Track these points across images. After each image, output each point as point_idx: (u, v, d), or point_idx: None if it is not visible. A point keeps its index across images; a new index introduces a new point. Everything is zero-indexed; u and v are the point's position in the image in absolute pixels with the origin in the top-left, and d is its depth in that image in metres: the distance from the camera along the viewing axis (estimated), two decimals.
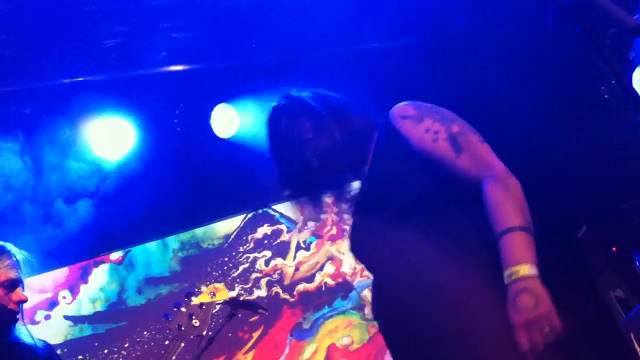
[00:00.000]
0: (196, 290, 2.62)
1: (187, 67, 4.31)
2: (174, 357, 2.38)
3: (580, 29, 2.74)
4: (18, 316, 2.37)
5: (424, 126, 2.02)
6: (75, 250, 4.81)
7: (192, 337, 2.50)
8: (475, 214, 1.94)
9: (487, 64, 4.66)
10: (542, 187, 5.34)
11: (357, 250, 2.22)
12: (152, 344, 5.13)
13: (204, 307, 2.54)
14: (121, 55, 3.89)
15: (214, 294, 2.59)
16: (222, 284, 2.73)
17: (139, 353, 5.12)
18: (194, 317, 2.49)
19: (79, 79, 3.86)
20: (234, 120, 4.88)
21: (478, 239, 1.93)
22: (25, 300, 2.35)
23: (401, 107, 2.11)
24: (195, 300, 2.56)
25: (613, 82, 4.10)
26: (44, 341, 2.51)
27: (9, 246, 2.44)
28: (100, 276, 5.30)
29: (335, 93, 2.36)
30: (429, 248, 1.93)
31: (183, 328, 2.46)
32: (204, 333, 2.54)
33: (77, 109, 4.17)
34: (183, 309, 2.52)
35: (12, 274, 2.32)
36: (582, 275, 5.27)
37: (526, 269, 1.76)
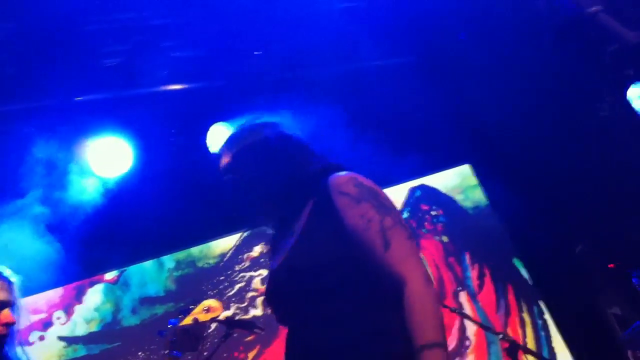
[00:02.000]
0: (190, 307, 2.58)
1: (185, 86, 4.31)
2: None
3: (580, 45, 2.77)
4: (13, 338, 2.33)
5: (360, 211, 2.00)
6: (70, 270, 4.76)
7: (186, 353, 2.45)
8: (392, 309, 1.94)
9: (485, 81, 4.68)
10: (539, 205, 5.37)
11: (273, 305, 2.21)
12: None
13: (198, 323, 2.50)
14: (120, 75, 3.89)
15: (208, 310, 2.57)
16: (216, 300, 2.68)
17: None
18: (188, 333, 2.47)
19: (78, 98, 3.84)
20: None
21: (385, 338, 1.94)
22: (13, 323, 2.30)
23: (342, 181, 2.07)
24: (189, 317, 2.52)
25: (610, 98, 4.15)
26: None
27: (1, 267, 2.40)
28: (95, 296, 5.24)
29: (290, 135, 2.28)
30: (330, 336, 1.95)
31: (177, 344, 2.42)
32: (199, 349, 2.50)
33: (76, 127, 4.16)
34: (177, 326, 2.47)
35: (3, 296, 2.28)
36: (580, 292, 5.27)
37: None
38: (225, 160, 2.27)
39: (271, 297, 2.17)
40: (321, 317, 1.97)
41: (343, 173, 2.10)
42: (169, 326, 2.52)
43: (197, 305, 2.62)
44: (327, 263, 2.00)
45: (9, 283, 2.36)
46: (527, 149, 4.71)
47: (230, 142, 2.29)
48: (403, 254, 1.94)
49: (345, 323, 1.94)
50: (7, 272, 2.40)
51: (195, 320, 2.52)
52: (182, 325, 2.50)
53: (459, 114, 5.02)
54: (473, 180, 5.82)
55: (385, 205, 2.03)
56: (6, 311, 2.27)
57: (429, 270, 2.03)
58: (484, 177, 5.76)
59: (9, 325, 2.27)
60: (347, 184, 2.05)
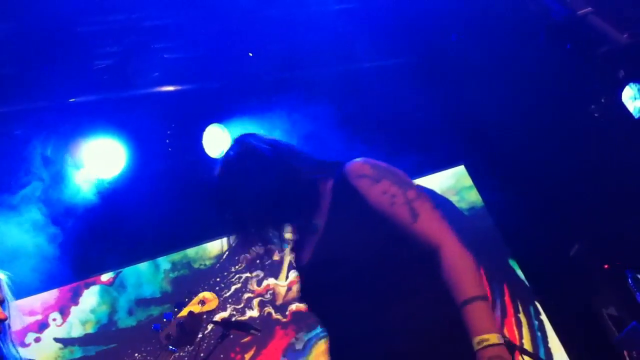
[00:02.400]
0: (186, 300, 2.56)
1: (178, 87, 4.32)
2: None
3: (571, 46, 2.78)
4: (5, 335, 2.32)
5: (381, 188, 2.04)
6: (65, 272, 4.77)
7: (182, 346, 2.43)
8: (429, 274, 2.00)
9: (479, 83, 4.69)
10: (534, 206, 5.38)
11: (311, 302, 2.22)
12: None
13: (193, 316, 2.49)
14: (113, 76, 3.89)
15: (203, 302, 2.54)
16: (212, 293, 2.66)
17: None
18: (183, 327, 2.44)
19: (71, 100, 3.85)
20: (226, 140, 4.88)
21: (433, 298, 1.99)
22: (4, 319, 2.30)
23: (357, 166, 2.12)
24: (184, 310, 2.50)
25: (603, 100, 4.15)
26: None
27: None
28: (91, 298, 5.25)
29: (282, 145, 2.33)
30: (387, 312, 2.00)
31: (173, 338, 2.40)
32: (194, 342, 2.48)
33: (69, 129, 4.16)
34: (172, 320, 2.46)
35: None
36: (576, 293, 5.27)
37: (495, 338, 1.85)
38: (225, 180, 2.28)
39: (309, 293, 2.23)
40: (367, 301, 2.01)
41: (357, 159, 2.14)
42: (163, 320, 2.49)
43: (192, 299, 2.59)
44: (360, 247, 2.04)
45: None
46: (521, 149, 4.71)
47: (225, 164, 2.31)
48: (433, 222, 2.00)
49: (392, 300, 1.99)
50: None
51: (191, 313, 2.49)
52: (178, 319, 2.47)
53: (454, 115, 5.03)
54: (468, 181, 5.82)
55: (405, 181, 2.08)
56: None
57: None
58: (478, 178, 5.77)
59: (0, 321, 2.27)
60: (363, 167, 2.09)
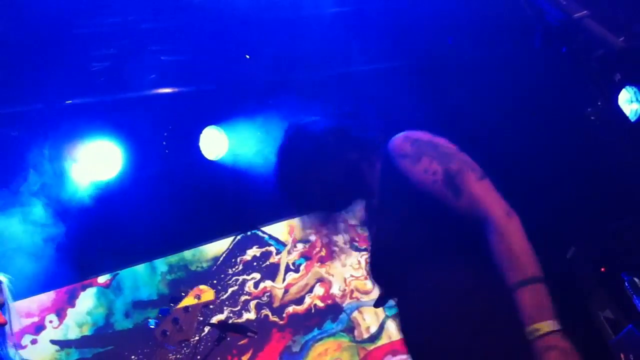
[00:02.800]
0: (182, 294, 2.54)
1: (175, 89, 4.32)
2: None
3: (567, 50, 2.77)
4: (5, 338, 2.32)
5: (422, 166, 1.97)
6: (62, 274, 4.77)
7: (178, 341, 2.39)
8: (477, 254, 1.91)
9: (474, 85, 4.69)
10: (530, 209, 5.38)
11: (377, 277, 2.21)
12: None
13: (189, 310, 2.45)
14: (110, 78, 3.90)
15: (199, 296, 2.50)
16: (207, 286, 2.63)
17: None
18: (179, 322, 2.40)
19: (67, 102, 3.85)
20: (223, 143, 4.89)
21: (485, 282, 1.90)
22: (4, 323, 2.29)
23: (398, 144, 2.06)
24: (180, 305, 2.47)
25: (599, 103, 4.16)
26: None
27: None
28: (87, 300, 5.25)
29: (330, 122, 2.29)
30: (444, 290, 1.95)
31: (168, 333, 2.37)
32: (191, 337, 2.45)
33: (65, 131, 4.16)
34: (168, 315, 2.44)
35: None
36: (572, 296, 5.27)
37: (550, 326, 1.72)
38: (287, 168, 2.26)
39: (372, 274, 2.18)
40: (424, 279, 1.96)
41: (398, 136, 2.08)
42: (159, 316, 2.46)
43: (187, 293, 2.57)
44: (410, 228, 2.00)
45: None
46: (516, 153, 4.70)
47: (284, 152, 2.29)
48: (476, 196, 1.89)
49: (445, 277, 1.93)
50: None
51: (187, 308, 2.46)
52: (173, 314, 2.44)
53: (449, 118, 5.02)
54: None
55: (447, 153, 1.98)
56: None
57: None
58: None
59: (0, 325, 2.26)
60: (403, 145, 2.04)
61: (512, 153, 4.67)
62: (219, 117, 4.84)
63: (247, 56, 4.22)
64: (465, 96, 4.74)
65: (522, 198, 5.23)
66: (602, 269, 5.12)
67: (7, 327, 2.33)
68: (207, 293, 2.54)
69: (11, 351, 2.35)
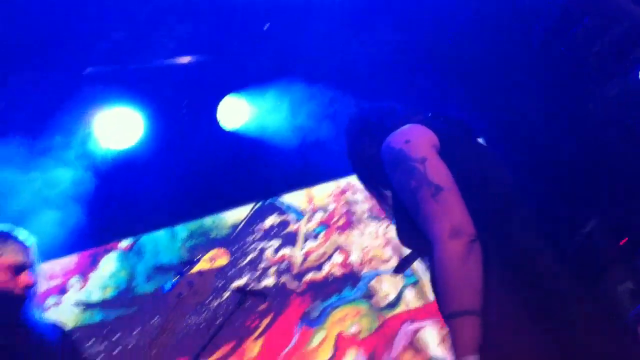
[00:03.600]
0: (196, 258, 2.56)
1: (195, 58, 4.33)
2: (175, 328, 2.34)
3: (565, 48, 2.74)
4: (32, 300, 2.36)
5: (396, 179, 2.05)
6: (84, 237, 4.86)
7: (193, 304, 2.41)
8: None
9: (486, 57, 4.63)
10: (549, 183, 5.33)
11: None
12: (162, 330, 5.16)
13: (203, 274, 2.46)
14: (130, 47, 3.92)
15: (213, 260, 2.53)
16: (223, 249, 2.65)
17: (148, 339, 5.18)
18: (194, 285, 2.42)
19: (88, 70, 3.89)
20: (242, 112, 4.90)
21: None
22: (32, 284, 2.34)
23: (383, 149, 2.12)
24: (194, 268, 2.49)
25: (616, 79, 4.08)
26: (59, 326, 2.50)
27: (17, 230, 2.43)
28: (109, 263, 5.36)
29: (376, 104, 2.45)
30: None
31: (183, 296, 2.40)
32: (205, 300, 2.48)
33: (87, 99, 4.21)
34: (183, 278, 2.45)
35: (19, 258, 2.30)
36: (590, 268, 5.25)
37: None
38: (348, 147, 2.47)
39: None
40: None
41: (387, 138, 2.13)
42: (173, 280, 2.49)
43: (202, 257, 2.59)
44: (399, 228, 2.13)
45: (26, 246, 2.39)
46: (532, 125, 4.66)
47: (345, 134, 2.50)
48: (424, 215, 1.91)
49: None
50: (24, 235, 2.42)
51: (201, 272, 2.48)
52: (188, 277, 2.46)
53: (468, 93, 4.98)
54: None
55: (410, 168, 1.99)
56: (24, 274, 2.31)
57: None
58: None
59: (28, 287, 2.31)
60: (385, 153, 2.11)
61: (528, 125, 4.63)
62: (238, 86, 4.85)
63: (266, 26, 4.21)
64: (479, 67, 4.68)
65: (540, 170, 5.21)
66: (622, 242, 5.09)
67: (34, 288, 2.37)
68: (221, 257, 2.56)
69: (37, 312, 2.40)
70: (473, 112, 4.51)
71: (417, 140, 2.04)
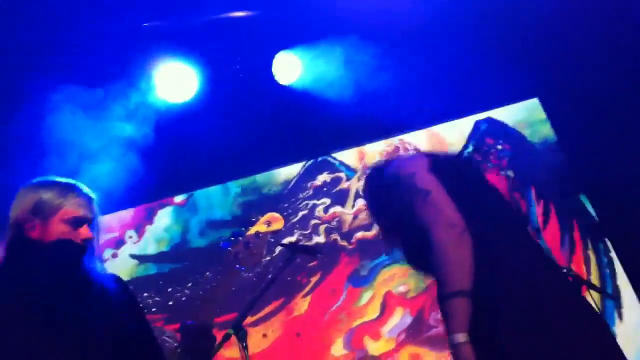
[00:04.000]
0: (253, 219, 2.59)
1: (249, 13, 4.31)
2: (232, 286, 2.38)
3: None
4: (93, 253, 2.40)
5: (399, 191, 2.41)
6: (140, 192, 4.95)
7: (248, 265, 2.43)
8: None
9: (556, 10, 4.48)
10: (608, 142, 5.21)
11: None
12: (214, 284, 5.25)
13: (260, 236, 2.48)
14: (186, 2, 3.92)
15: (269, 223, 2.53)
16: (278, 213, 2.67)
17: (201, 293, 5.29)
18: (250, 246, 2.44)
19: (144, 25, 3.91)
20: (296, 67, 4.87)
21: None
22: (91, 238, 2.37)
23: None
24: (251, 230, 2.49)
25: None
26: (117, 276, 2.55)
27: (79, 184, 2.46)
28: (164, 218, 5.47)
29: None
30: None
31: (240, 256, 2.42)
32: (260, 262, 2.50)
33: (142, 54, 4.24)
34: (240, 238, 2.47)
35: (79, 212, 2.32)
36: None
37: (463, 337, 1.99)
38: None
39: None
40: None
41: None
42: (231, 239, 2.52)
43: (259, 219, 2.62)
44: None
45: (88, 199, 2.43)
46: (597, 83, 4.53)
47: None
48: (423, 217, 2.21)
49: None
50: (86, 189, 2.46)
51: (257, 233, 2.51)
52: (245, 238, 2.49)
53: (528, 47, 4.86)
54: (541, 114, 5.66)
55: (404, 184, 2.36)
56: (85, 227, 2.35)
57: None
58: (552, 111, 5.60)
59: (87, 240, 2.35)
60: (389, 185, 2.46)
61: (592, 82, 4.50)
62: (292, 41, 4.82)
63: None
64: (546, 22, 4.54)
65: (600, 130, 5.04)
66: None
67: (94, 242, 2.41)
68: (277, 221, 2.58)
69: (98, 264, 2.45)
70: None
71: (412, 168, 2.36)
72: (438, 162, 2.39)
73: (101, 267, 2.46)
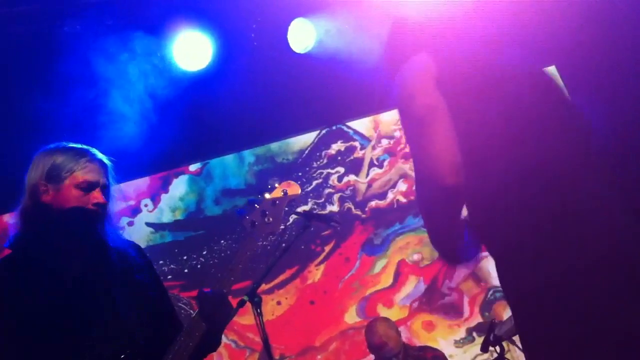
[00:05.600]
0: (269, 187, 2.57)
1: None
2: (248, 254, 2.37)
3: None
4: (108, 218, 2.41)
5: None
6: (155, 161, 4.97)
7: (265, 233, 2.41)
8: None
9: None
10: (625, 110, 5.15)
11: None
12: (229, 252, 5.32)
13: (277, 203, 2.44)
14: None
15: (285, 190, 2.49)
16: (293, 179, 2.63)
17: (216, 260, 5.34)
18: (267, 214, 2.41)
19: None
20: (311, 35, 4.83)
21: None
22: (103, 203, 2.36)
23: None
24: (268, 197, 2.46)
25: None
26: (133, 242, 2.56)
27: (92, 150, 2.46)
28: (180, 186, 5.50)
29: None
30: None
31: (257, 224, 2.39)
32: (277, 229, 2.47)
33: (158, 22, 4.22)
34: (256, 206, 2.44)
35: (91, 176, 2.31)
36: None
37: None
38: None
39: None
40: None
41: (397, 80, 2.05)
42: (247, 206, 2.49)
43: (275, 187, 2.59)
44: None
45: (101, 164, 2.43)
46: (616, 52, 4.46)
47: None
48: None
49: None
50: (100, 155, 2.46)
51: (274, 201, 2.46)
52: (261, 206, 2.45)
53: (545, 14, 4.78)
54: (558, 81, 5.61)
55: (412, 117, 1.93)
56: (97, 191, 2.36)
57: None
58: (568, 79, 5.54)
59: (100, 205, 2.35)
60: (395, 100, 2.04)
61: (611, 52, 4.43)
62: (307, 9, 4.77)
63: None
64: None
65: (616, 98, 4.97)
66: None
67: (108, 207, 2.42)
68: (293, 187, 2.54)
69: (115, 230, 2.45)
70: None
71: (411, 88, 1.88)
72: (453, 73, 1.89)
73: (119, 234, 2.47)
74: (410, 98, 1.85)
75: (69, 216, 2.27)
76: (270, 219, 2.40)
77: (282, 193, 2.47)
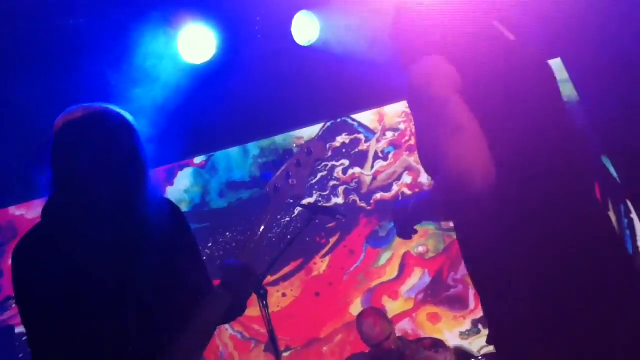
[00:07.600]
0: (294, 148, 2.41)
1: None
2: (268, 217, 2.26)
3: None
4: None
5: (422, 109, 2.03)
6: (160, 153, 4.96)
7: (290, 197, 2.25)
8: None
9: None
10: (631, 103, 5.13)
11: None
12: (234, 244, 5.33)
13: (301, 164, 2.28)
14: None
15: (310, 152, 2.30)
16: (319, 142, 2.47)
17: (221, 253, 5.35)
18: (290, 176, 2.25)
19: None
20: (315, 28, 4.83)
21: None
22: None
23: None
24: (292, 159, 2.30)
25: None
26: (169, 201, 2.41)
27: None
28: (185, 179, 5.51)
29: None
30: None
31: (280, 188, 2.25)
32: (302, 194, 2.32)
33: (162, 14, 4.21)
34: (281, 169, 2.28)
35: None
36: None
37: None
38: None
39: None
40: None
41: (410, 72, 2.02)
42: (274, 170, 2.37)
43: (300, 148, 2.43)
44: None
45: None
46: (621, 44, 4.44)
47: None
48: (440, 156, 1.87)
49: None
50: None
51: (299, 162, 2.26)
52: (286, 168, 2.26)
53: (551, 6, 4.76)
54: (564, 74, 5.59)
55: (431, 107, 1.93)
56: None
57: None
58: (575, 71, 5.53)
59: None
60: (408, 87, 2.02)
61: (615, 42, 4.40)
62: (311, 2, 4.77)
63: None
64: None
65: (623, 90, 4.96)
66: None
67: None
68: (319, 148, 2.36)
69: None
70: None
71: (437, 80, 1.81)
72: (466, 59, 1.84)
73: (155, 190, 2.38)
74: (427, 85, 1.79)
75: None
76: (295, 181, 2.25)
77: (307, 155, 2.30)
